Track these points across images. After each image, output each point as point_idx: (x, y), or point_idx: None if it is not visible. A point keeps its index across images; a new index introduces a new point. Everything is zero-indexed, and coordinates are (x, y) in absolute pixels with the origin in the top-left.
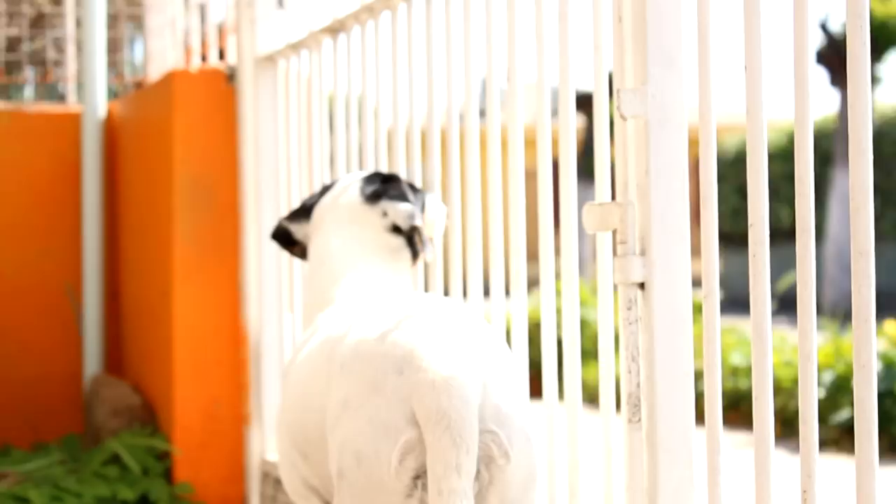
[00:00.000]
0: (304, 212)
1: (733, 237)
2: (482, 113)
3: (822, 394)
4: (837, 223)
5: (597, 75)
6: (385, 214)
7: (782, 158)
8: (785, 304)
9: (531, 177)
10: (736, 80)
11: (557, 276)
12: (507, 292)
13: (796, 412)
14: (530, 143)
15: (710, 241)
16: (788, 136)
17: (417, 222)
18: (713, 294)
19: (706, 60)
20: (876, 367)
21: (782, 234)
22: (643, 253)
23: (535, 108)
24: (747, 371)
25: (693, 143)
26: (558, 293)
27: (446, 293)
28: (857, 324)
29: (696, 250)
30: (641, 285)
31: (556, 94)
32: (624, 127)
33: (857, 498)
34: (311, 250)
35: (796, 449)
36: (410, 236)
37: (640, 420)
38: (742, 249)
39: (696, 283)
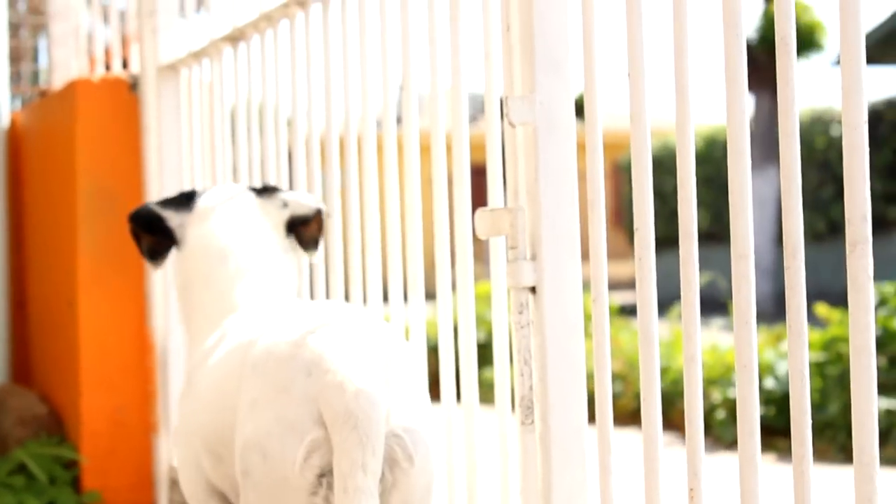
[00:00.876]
0: (183, 200)
1: (663, 239)
2: (379, 122)
3: (734, 394)
4: (755, 227)
5: (487, 83)
6: (285, 205)
7: (698, 162)
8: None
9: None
10: (624, 87)
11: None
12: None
13: (709, 412)
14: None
15: (598, 245)
16: (704, 139)
17: (323, 206)
18: (602, 297)
19: (592, 68)
20: (756, 367)
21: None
22: (534, 257)
23: (431, 115)
24: (667, 372)
25: (609, 148)
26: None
27: (354, 299)
28: (737, 325)
29: (612, 254)
30: (533, 289)
31: (475, 101)
32: (513, 134)
33: (741, 496)
34: (192, 244)
35: (711, 447)
36: (299, 235)
37: (532, 422)
38: (671, 251)
39: (615, 285)
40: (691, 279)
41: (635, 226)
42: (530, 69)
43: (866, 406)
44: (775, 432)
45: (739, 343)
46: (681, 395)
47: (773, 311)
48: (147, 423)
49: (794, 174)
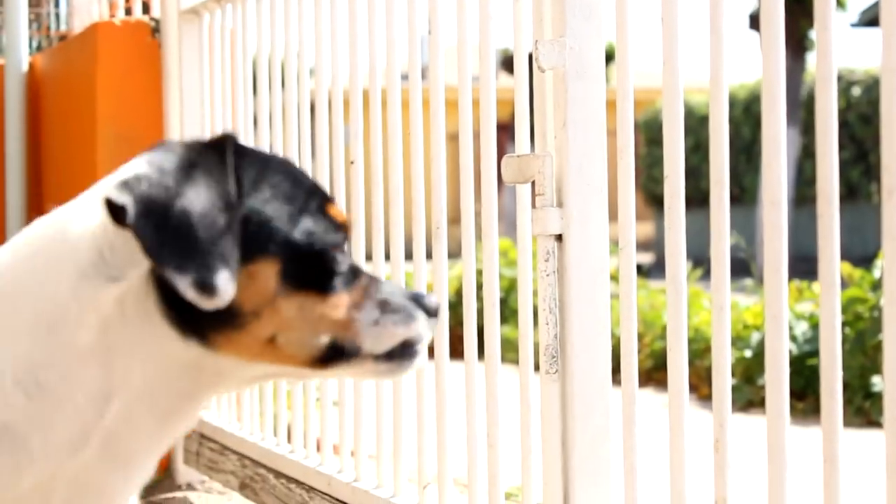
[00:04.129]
0: None
1: (689, 198)
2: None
3: (751, 354)
4: None
5: (516, 28)
6: None
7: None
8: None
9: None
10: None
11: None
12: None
13: None
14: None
15: (627, 195)
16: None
17: None
18: (629, 246)
19: (624, 13)
20: (787, 317)
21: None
22: (560, 205)
23: (457, 68)
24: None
25: (639, 104)
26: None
27: (370, 258)
28: (768, 274)
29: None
30: (559, 237)
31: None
32: (542, 79)
33: (768, 451)
34: None
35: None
36: None
37: (556, 371)
38: (698, 210)
39: (642, 244)
40: (721, 229)
41: (665, 173)
42: (561, 12)
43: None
44: (792, 394)
45: (769, 292)
46: (697, 355)
47: (790, 270)
48: None
49: (830, 120)
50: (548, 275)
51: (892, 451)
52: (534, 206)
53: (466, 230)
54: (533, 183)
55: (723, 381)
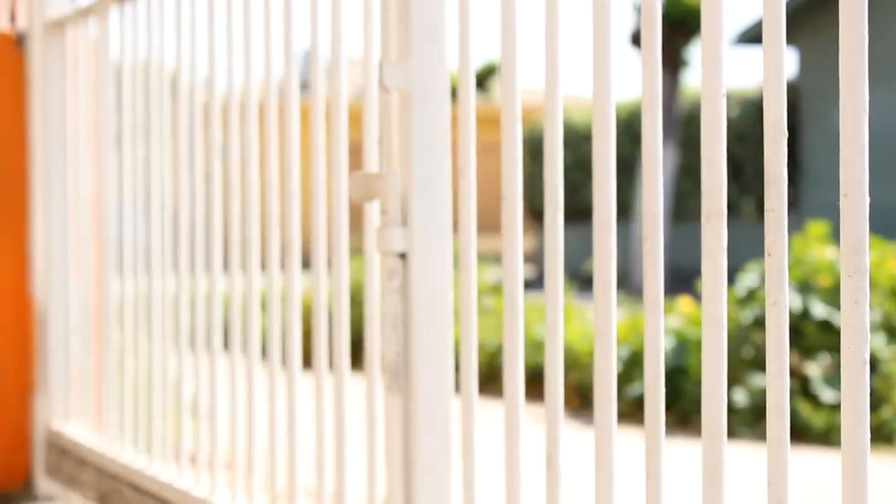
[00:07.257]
0: None
1: (572, 213)
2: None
3: (620, 368)
4: None
5: (365, 46)
6: None
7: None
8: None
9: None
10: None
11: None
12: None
13: (592, 386)
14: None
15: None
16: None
17: None
18: (469, 266)
19: (466, 35)
20: (614, 334)
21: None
22: (405, 223)
23: (311, 81)
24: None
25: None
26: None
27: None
28: (597, 294)
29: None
30: (403, 255)
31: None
32: (387, 99)
33: (595, 465)
34: None
35: (591, 422)
36: None
37: (399, 388)
38: (580, 226)
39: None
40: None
41: (503, 195)
42: (407, 34)
43: (716, 377)
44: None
45: (598, 311)
46: (574, 367)
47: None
48: (25, 384)
49: (655, 145)
50: (392, 292)
51: (708, 459)
52: (379, 223)
53: (316, 244)
54: (379, 200)
55: (554, 397)
